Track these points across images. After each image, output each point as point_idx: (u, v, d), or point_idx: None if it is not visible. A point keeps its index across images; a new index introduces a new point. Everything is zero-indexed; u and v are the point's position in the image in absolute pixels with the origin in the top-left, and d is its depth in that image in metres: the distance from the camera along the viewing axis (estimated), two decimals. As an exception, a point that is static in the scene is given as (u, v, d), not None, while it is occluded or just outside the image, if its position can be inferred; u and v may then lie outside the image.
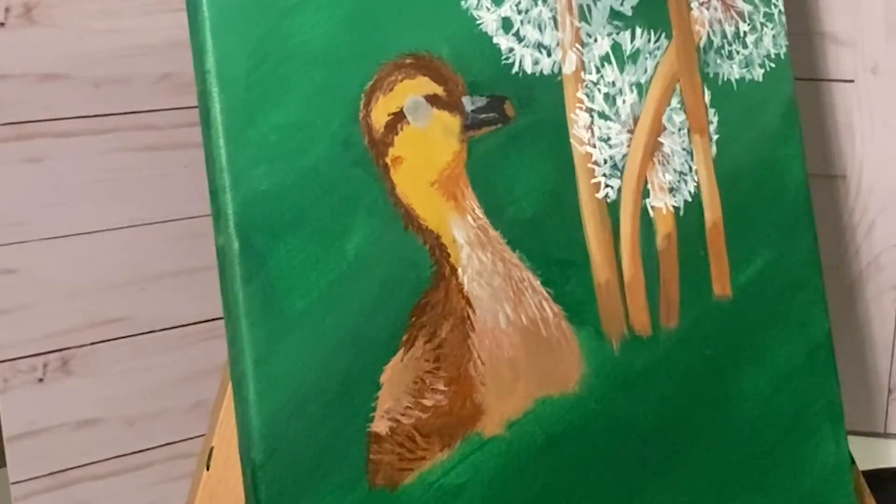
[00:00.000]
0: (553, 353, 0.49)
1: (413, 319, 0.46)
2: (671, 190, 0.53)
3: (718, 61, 0.56)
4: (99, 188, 0.98)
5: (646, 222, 0.52)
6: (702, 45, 0.55)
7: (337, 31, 0.44)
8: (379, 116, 0.45)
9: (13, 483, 0.99)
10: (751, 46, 0.57)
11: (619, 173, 0.51)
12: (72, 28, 0.95)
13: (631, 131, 0.52)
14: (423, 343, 0.46)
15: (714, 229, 0.52)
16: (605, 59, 0.51)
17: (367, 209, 0.44)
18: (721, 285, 0.54)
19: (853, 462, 0.60)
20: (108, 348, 1.02)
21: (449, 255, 0.47)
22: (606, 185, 0.51)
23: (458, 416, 0.47)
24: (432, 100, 0.46)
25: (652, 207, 0.52)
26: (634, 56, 0.52)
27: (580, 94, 0.50)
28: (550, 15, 0.50)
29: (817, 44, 0.80)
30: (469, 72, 0.47)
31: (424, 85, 0.46)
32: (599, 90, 0.51)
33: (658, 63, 0.53)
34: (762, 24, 0.58)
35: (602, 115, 0.51)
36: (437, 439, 0.46)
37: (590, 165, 0.51)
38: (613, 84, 0.51)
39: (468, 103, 0.47)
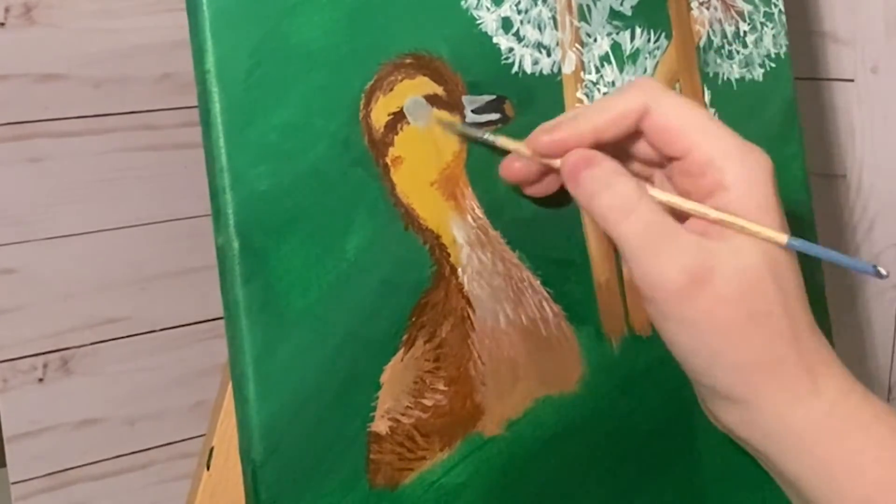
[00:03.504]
0: (553, 353, 0.49)
1: (413, 319, 0.46)
2: (671, 189, 0.53)
3: (718, 61, 0.56)
4: (99, 188, 0.99)
5: (645, 222, 0.52)
6: (701, 44, 0.55)
7: (337, 31, 0.44)
8: (379, 116, 0.45)
9: (13, 483, 0.99)
10: (751, 46, 0.57)
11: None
12: (72, 28, 0.95)
13: (631, 131, 0.52)
14: (423, 343, 0.46)
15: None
16: (604, 58, 0.51)
17: (367, 209, 0.44)
18: (721, 285, 0.54)
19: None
20: (108, 348, 1.02)
21: (449, 254, 0.47)
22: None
23: (459, 416, 0.47)
24: (432, 99, 0.46)
25: (651, 207, 0.52)
26: (634, 56, 0.52)
27: (580, 94, 0.50)
28: (550, 15, 0.50)
29: (817, 43, 0.80)
30: (469, 72, 0.47)
31: (424, 85, 0.46)
32: (599, 90, 0.51)
33: (658, 63, 0.53)
34: (762, 23, 0.58)
35: (602, 115, 0.51)
36: (438, 439, 0.46)
37: (590, 165, 0.50)
38: (613, 84, 0.51)
39: (468, 103, 0.47)
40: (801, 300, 0.41)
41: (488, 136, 0.46)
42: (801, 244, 0.40)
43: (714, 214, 0.41)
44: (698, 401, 0.46)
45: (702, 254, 0.39)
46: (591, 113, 0.43)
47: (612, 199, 0.40)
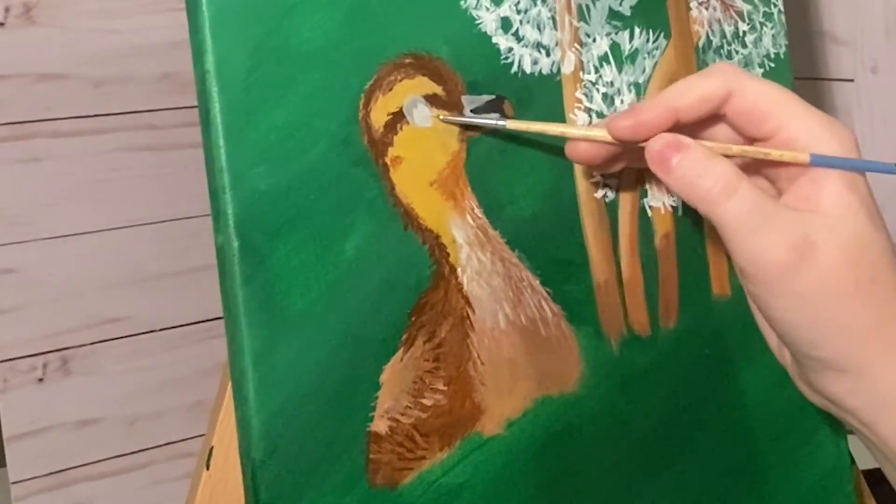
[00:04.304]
0: (552, 353, 0.49)
1: (412, 319, 0.46)
2: (669, 189, 0.53)
3: (717, 61, 0.56)
4: (99, 188, 0.99)
5: (644, 222, 0.52)
6: (700, 44, 0.55)
7: (336, 31, 0.44)
8: (378, 116, 0.45)
9: (13, 483, 0.99)
10: (750, 46, 0.57)
11: (617, 173, 0.51)
12: (72, 28, 0.95)
13: (630, 131, 0.52)
14: (423, 343, 0.46)
15: (713, 229, 0.52)
16: (603, 58, 0.51)
17: (367, 209, 0.44)
18: (720, 284, 0.54)
19: (853, 462, 0.60)
20: (108, 348, 1.02)
21: (448, 254, 0.47)
22: (605, 185, 0.51)
23: (458, 416, 0.47)
24: (431, 99, 0.46)
25: (650, 207, 0.52)
26: (633, 56, 0.52)
27: (579, 94, 0.50)
28: (549, 15, 0.50)
29: (817, 43, 0.80)
30: (468, 71, 0.47)
31: (424, 85, 0.46)
32: (598, 90, 0.51)
33: (656, 63, 0.53)
34: (761, 23, 0.58)
35: (600, 115, 0.51)
36: (437, 439, 0.46)
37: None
38: (612, 84, 0.51)
39: (467, 103, 0.47)
40: None
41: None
42: (824, 159, 0.42)
43: (735, 149, 0.43)
44: (792, 378, 0.46)
45: (803, 227, 0.41)
46: (672, 96, 0.44)
47: (714, 182, 0.41)
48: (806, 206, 0.42)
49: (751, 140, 0.45)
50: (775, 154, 0.42)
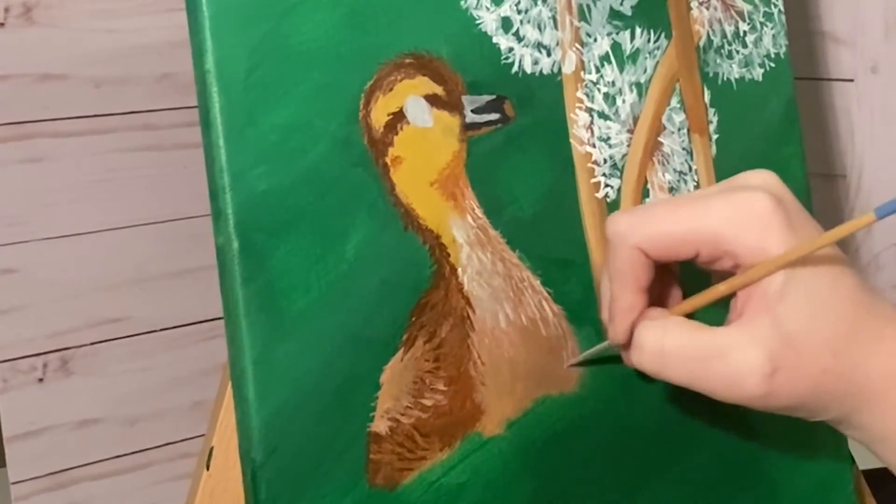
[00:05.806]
0: (553, 353, 0.49)
1: (413, 319, 0.46)
2: (671, 189, 0.53)
3: (718, 61, 0.56)
4: (99, 188, 0.99)
5: (645, 222, 0.52)
6: (701, 44, 0.55)
7: (337, 31, 0.44)
8: (378, 116, 0.45)
9: (13, 483, 0.99)
10: (750, 46, 0.57)
11: (618, 173, 0.51)
12: (72, 28, 0.95)
13: (631, 131, 0.52)
14: (423, 343, 0.46)
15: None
16: (604, 58, 0.51)
17: (367, 209, 0.44)
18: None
19: (853, 462, 0.60)
20: (108, 348, 1.02)
21: (449, 254, 0.47)
22: (606, 185, 0.51)
23: (458, 416, 0.47)
24: (432, 100, 0.46)
25: (651, 207, 0.52)
26: (634, 56, 0.52)
27: (580, 94, 0.50)
28: (550, 14, 0.50)
29: (817, 43, 0.80)
30: (469, 71, 0.47)
31: (424, 85, 0.46)
32: (599, 90, 0.51)
33: (658, 63, 0.53)
34: (762, 23, 0.58)
35: (602, 115, 0.51)
36: (437, 439, 0.46)
37: (589, 165, 0.51)
38: (613, 84, 0.51)
39: (468, 103, 0.47)
40: (858, 314, 0.41)
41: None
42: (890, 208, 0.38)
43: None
44: None
45: (751, 349, 0.40)
46: (619, 294, 0.43)
47: (647, 357, 0.42)
48: (740, 317, 0.41)
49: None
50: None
